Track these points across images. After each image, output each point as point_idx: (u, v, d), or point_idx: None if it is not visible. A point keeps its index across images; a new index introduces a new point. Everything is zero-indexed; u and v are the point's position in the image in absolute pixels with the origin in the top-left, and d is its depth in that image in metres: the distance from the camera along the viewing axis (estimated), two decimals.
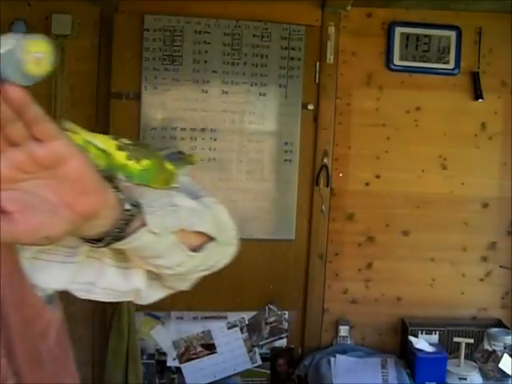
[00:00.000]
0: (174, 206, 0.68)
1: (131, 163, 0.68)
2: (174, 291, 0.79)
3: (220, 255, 0.78)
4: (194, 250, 0.71)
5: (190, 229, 0.69)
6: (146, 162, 0.69)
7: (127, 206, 0.60)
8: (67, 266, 0.69)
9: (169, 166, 0.75)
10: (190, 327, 2.55)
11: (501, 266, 2.64)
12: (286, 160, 2.52)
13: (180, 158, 0.80)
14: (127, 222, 0.61)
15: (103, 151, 0.66)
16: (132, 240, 0.62)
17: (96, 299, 0.74)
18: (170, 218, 0.66)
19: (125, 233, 0.61)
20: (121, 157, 0.67)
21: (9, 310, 0.63)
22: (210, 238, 0.73)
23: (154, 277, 0.75)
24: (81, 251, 0.69)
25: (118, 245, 0.62)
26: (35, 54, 0.51)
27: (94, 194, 0.53)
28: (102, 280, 0.72)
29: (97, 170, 0.55)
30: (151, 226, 0.63)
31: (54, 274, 0.69)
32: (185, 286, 0.80)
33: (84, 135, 0.64)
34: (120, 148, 0.67)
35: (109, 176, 0.62)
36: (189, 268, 0.73)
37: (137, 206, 0.62)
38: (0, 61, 0.49)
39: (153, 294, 0.77)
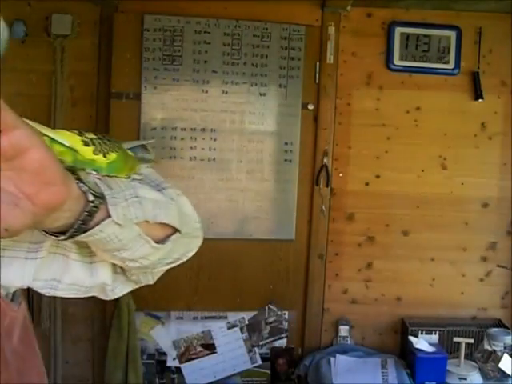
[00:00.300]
0: (138, 198, 0.67)
1: (98, 158, 0.68)
2: (139, 285, 0.79)
3: (185, 248, 0.77)
4: (159, 241, 0.70)
5: (153, 220, 0.68)
6: (112, 156, 0.69)
7: (90, 198, 0.59)
8: (31, 262, 0.68)
9: (130, 153, 0.75)
10: (190, 327, 2.55)
11: (498, 265, 2.64)
12: (286, 160, 2.52)
13: (144, 152, 0.80)
14: (91, 213, 0.59)
15: (69, 148, 0.65)
16: (96, 232, 0.61)
17: (62, 296, 0.73)
18: (133, 209, 0.65)
19: (88, 225, 0.60)
20: (87, 152, 0.67)
21: None
22: (175, 230, 0.72)
23: (119, 271, 0.75)
24: (44, 247, 0.68)
25: (82, 237, 0.61)
26: None
27: (56, 185, 0.52)
28: (68, 276, 0.71)
29: (59, 162, 0.53)
30: (115, 218, 0.62)
31: (17, 270, 0.67)
32: (149, 279, 0.79)
33: (48, 133, 0.63)
34: (86, 143, 0.67)
35: (72, 168, 0.61)
36: (154, 260, 0.72)
37: (100, 197, 0.61)
38: None
39: (118, 289, 0.77)
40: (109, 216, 0.62)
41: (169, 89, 2.43)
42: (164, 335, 2.54)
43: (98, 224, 0.61)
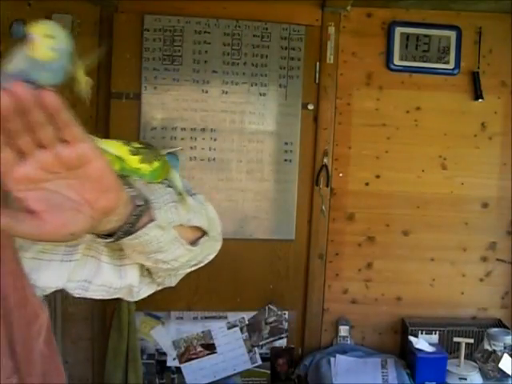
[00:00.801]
0: (174, 203, 0.71)
1: (143, 166, 0.72)
2: (161, 287, 0.82)
3: (208, 250, 0.81)
4: (191, 244, 0.74)
5: (187, 224, 0.73)
6: (155, 164, 0.74)
7: (139, 202, 0.64)
8: (66, 264, 0.71)
9: (165, 159, 0.80)
10: (190, 327, 2.55)
11: (497, 259, 2.64)
12: (285, 160, 2.52)
13: (173, 158, 0.84)
14: (138, 217, 0.64)
15: (117, 157, 0.70)
16: (141, 234, 0.66)
17: (91, 297, 0.76)
18: (171, 213, 0.69)
19: (135, 228, 0.65)
20: (134, 161, 0.71)
21: (12, 309, 0.65)
22: (203, 233, 0.77)
23: (145, 274, 0.78)
24: (79, 249, 0.71)
25: (128, 239, 0.65)
26: (30, 36, 0.51)
27: (112, 191, 0.57)
28: (98, 277, 0.74)
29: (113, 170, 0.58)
30: (159, 221, 0.67)
31: (54, 272, 0.71)
32: (173, 281, 0.82)
33: (99, 143, 0.67)
34: (133, 153, 0.72)
35: (121, 174, 0.66)
36: (183, 262, 0.76)
37: (146, 202, 0.66)
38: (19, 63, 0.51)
39: (142, 291, 0.80)
40: (152, 220, 0.66)
41: (169, 89, 2.43)
42: (164, 335, 2.54)
43: (143, 227, 0.65)
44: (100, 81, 2.46)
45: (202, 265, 0.82)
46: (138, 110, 2.42)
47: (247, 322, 2.58)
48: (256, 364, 2.60)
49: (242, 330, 2.58)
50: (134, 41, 2.41)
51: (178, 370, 2.55)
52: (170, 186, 0.76)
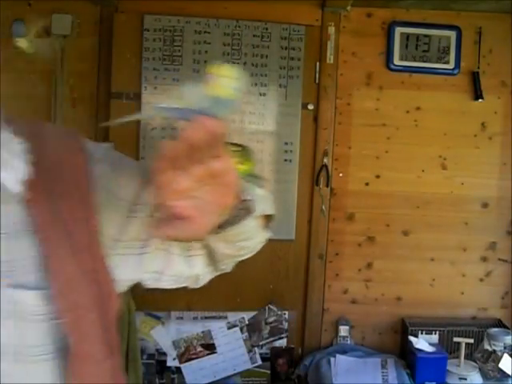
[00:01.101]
0: (255, 196, 0.78)
1: (240, 167, 0.80)
2: (218, 273, 0.89)
3: (265, 237, 0.88)
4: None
5: (262, 213, 0.80)
6: (248, 164, 0.82)
7: (246, 197, 0.72)
8: (141, 257, 0.78)
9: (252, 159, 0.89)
10: (190, 327, 2.55)
11: (499, 259, 2.64)
12: (285, 160, 2.52)
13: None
14: (241, 210, 0.72)
15: None
16: (242, 226, 0.74)
17: (162, 287, 0.84)
18: (259, 205, 0.77)
19: (237, 220, 0.73)
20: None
21: (106, 300, 0.72)
22: (268, 221, 0.84)
23: (210, 262, 0.85)
24: (152, 242, 0.77)
25: (229, 230, 0.73)
26: (212, 76, 0.59)
27: (234, 192, 0.64)
28: (170, 268, 0.81)
29: None
30: (256, 213, 0.75)
31: (132, 266, 0.78)
32: (229, 268, 0.90)
33: None
34: (231, 156, 0.78)
35: None
36: (252, 248, 0.84)
37: (249, 196, 0.73)
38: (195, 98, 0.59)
39: (206, 277, 0.88)
40: (251, 212, 0.74)
41: (169, 89, 2.43)
42: (164, 335, 2.54)
43: (243, 219, 0.73)
44: (100, 81, 2.46)
45: (255, 252, 0.88)
46: (138, 110, 2.42)
47: (247, 322, 2.58)
48: (256, 364, 2.59)
49: (242, 330, 2.58)
50: (134, 41, 2.41)
51: (178, 369, 2.55)
52: (249, 181, 0.82)
